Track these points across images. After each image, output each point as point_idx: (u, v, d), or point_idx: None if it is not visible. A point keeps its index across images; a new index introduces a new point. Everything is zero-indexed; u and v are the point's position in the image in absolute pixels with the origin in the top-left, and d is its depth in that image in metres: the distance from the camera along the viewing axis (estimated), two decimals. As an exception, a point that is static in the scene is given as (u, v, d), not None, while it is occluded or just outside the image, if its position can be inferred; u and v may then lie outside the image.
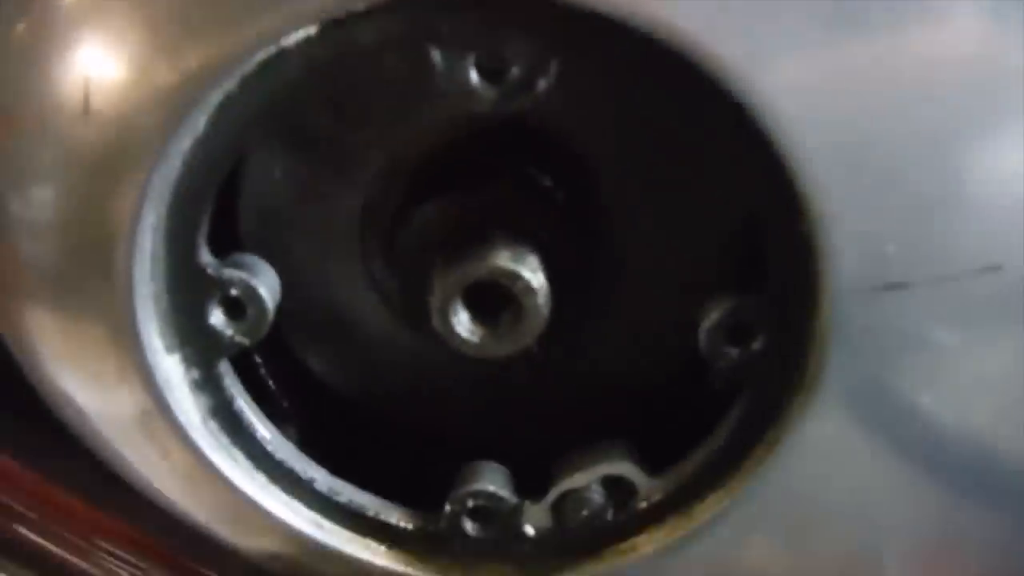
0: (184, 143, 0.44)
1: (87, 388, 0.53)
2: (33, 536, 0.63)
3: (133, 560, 0.64)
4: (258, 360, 0.61)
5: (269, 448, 0.55)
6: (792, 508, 0.52)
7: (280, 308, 0.52)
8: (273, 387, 0.61)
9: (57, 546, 0.63)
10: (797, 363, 0.48)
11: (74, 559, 0.63)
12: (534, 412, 0.60)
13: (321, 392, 0.63)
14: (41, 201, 0.47)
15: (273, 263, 0.53)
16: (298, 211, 0.56)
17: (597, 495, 0.55)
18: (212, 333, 0.50)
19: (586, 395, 0.59)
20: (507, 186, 0.53)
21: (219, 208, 0.51)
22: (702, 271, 0.53)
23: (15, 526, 0.63)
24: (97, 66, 0.44)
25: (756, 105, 0.41)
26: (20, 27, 0.45)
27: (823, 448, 0.50)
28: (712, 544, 0.53)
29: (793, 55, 0.40)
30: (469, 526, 0.56)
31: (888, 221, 0.43)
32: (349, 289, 0.59)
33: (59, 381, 0.53)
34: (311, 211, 0.56)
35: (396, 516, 0.56)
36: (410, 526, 0.56)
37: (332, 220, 0.56)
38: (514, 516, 0.55)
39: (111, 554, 0.64)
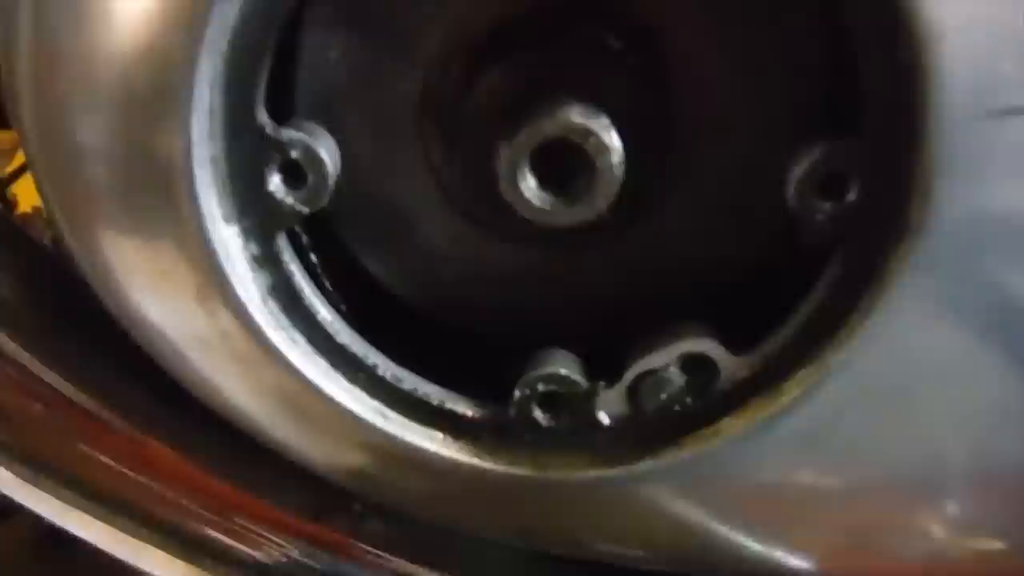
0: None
1: (146, 277, 0.51)
2: (176, 516, 0.65)
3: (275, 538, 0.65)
4: (313, 260, 0.58)
5: (330, 330, 0.53)
6: (889, 381, 0.48)
7: (335, 202, 0.50)
8: (329, 288, 0.59)
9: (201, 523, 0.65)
10: (897, 211, 0.44)
11: (216, 534, 0.65)
12: (604, 300, 0.57)
13: (377, 292, 0.60)
14: (102, 66, 0.45)
15: None
16: (354, 95, 0.54)
17: (676, 376, 0.51)
18: (271, 201, 0.48)
19: (661, 275, 0.56)
20: (573, 47, 0.50)
21: (273, 91, 0.49)
22: (786, 118, 0.49)
23: (161, 507, 0.65)
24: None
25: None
26: None
27: (926, 307, 0.46)
28: (801, 424, 0.50)
29: None
30: (539, 414, 0.53)
31: (1004, 34, 0.39)
32: (406, 180, 0.57)
33: (123, 284, 0.52)
34: (368, 95, 0.54)
35: (462, 405, 0.54)
36: (477, 415, 0.54)
37: (390, 103, 0.54)
38: (587, 402, 0.52)
39: (252, 531, 0.66)
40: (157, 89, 0.44)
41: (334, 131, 0.52)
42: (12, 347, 0.66)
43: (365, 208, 0.57)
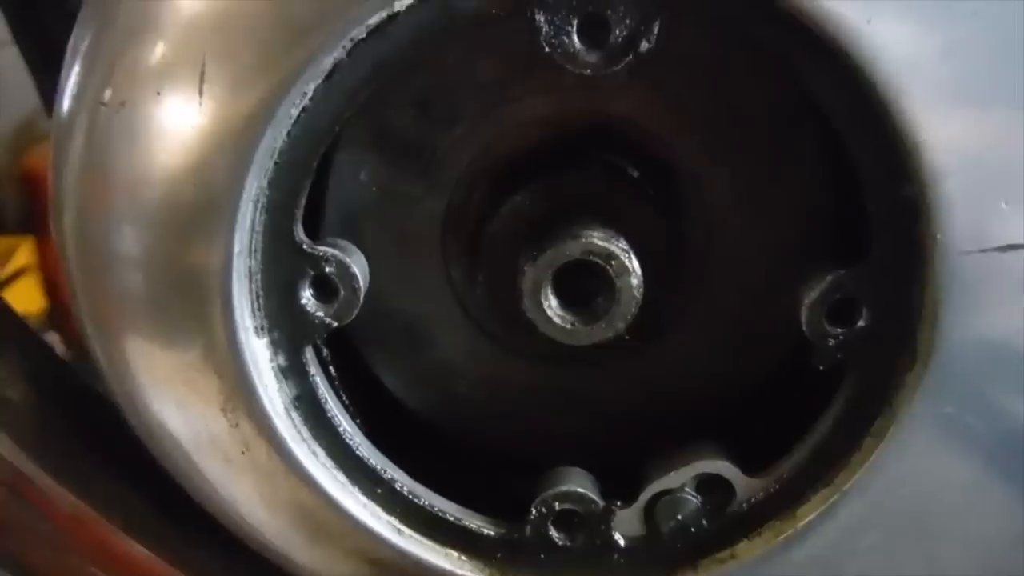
0: (291, 111, 0.45)
1: (170, 385, 0.52)
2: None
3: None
4: (332, 372, 0.60)
5: (350, 443, 0.53)
6: (905, 502, 0.49)
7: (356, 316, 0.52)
8: (346, 400, 0.60)
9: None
10: (906, 337, 0.46)
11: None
12: (619, 418, 0.58)
13: (393, 405, 0.61)
14: (150, 181, 0.48)
15: None
16: (381, 213, 0.57)
17: (692, 497, 0.52)
18: (302, 314, 0.50)
19: (675, 394, 0.57)
20: (594, 175, 0.53)
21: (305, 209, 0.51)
22: (797, 247, 0.52)
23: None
24: (213, 45, 0.45)
25: (864, 58, 0.41)
26: (137, 15, 0.47)
27: (937, 432, 0.47)
28: (818, 546, 0.50)
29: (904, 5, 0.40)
30: (555, 533, 0.53)
31: (1001, 176, 0.42)
32: (427, 295, 0.59)
33: (145, 391, 0.52)
34: (394, 214, 0.57)
35: (477, 523, 0.54)
36: (492, 533, 0.54)
37: (415, 223, 0.57)
38: (603, 522, 0.53)
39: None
40: (203, 206, 0.47)
41: (359, 247, 0.54)
42: (15, 451, 0.66)
43: (385, 322, 0.59)
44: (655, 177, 0.53)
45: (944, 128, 0.42)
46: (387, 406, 0.61)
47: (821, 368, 0.48)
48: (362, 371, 0.61)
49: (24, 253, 3.07)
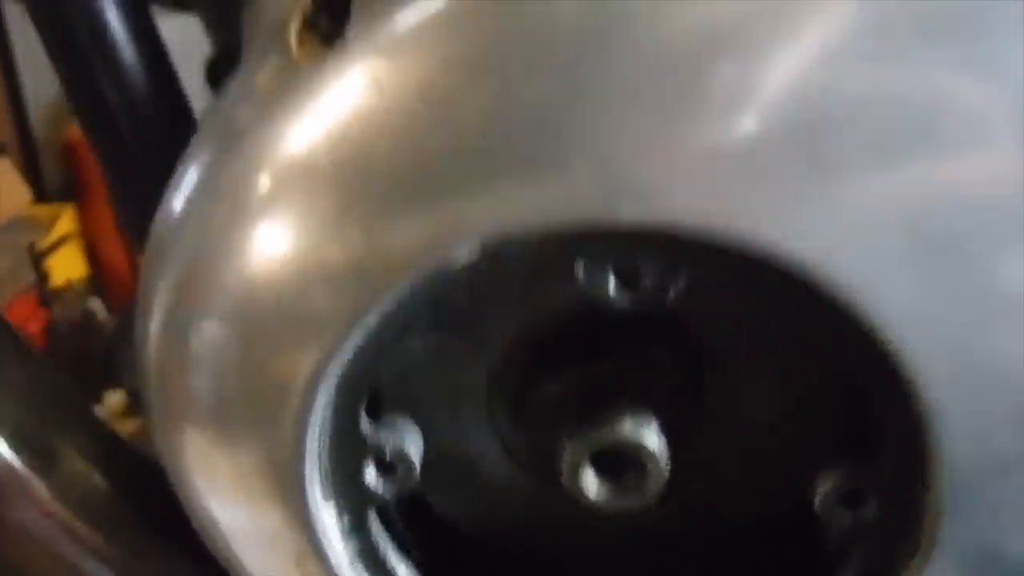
0: (357, 338, 0.51)
1: (246, 529, 0.59)
2: None
3: None
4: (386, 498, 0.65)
5: (408, 591, 0.60)
6: None
7: None
8: (402, 529, 0.65)
9: None
10: (911, 530, 0.51)
11: None
12: (652, 553, 0.64)
13: (448, 533, 0.67)
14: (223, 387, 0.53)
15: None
16: (431, 375, 0.62)
17: (714, 642, 0.58)
18: (365, 487, 0.56)
19: (693, 542, 0.63)
20: (631, 362, 0.58)
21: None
22: (814, 445, 0.57)
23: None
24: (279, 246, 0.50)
25: (874, 326, 0.45)
26: (214, 209, 0.51)
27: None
28: None
29: (903, 276, 0.44)
30: (594, 669, 0.59)
31: (998, 410, 0.46)
32: (476, 443, 0.64)
33: (217, 515, 0.59)
34: (443, 376, 0.62)
35: (528, 660, 0.61)
36: (542, 671, 0.60)
37: (462, 380, 0.62)
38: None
39: None
40: (279, 415, 0.53)
41: (413, 406, 0.59)
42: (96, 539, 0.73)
43: (438, 462, 0.65)
44: (685, 364, 0.58)
45: (943, 371, 0.46)
46: (443, 533, 0.67)
47: (830, 547, 0.54)
48: (413, 499, 0.67)
49: (66, 221, 3.15)
